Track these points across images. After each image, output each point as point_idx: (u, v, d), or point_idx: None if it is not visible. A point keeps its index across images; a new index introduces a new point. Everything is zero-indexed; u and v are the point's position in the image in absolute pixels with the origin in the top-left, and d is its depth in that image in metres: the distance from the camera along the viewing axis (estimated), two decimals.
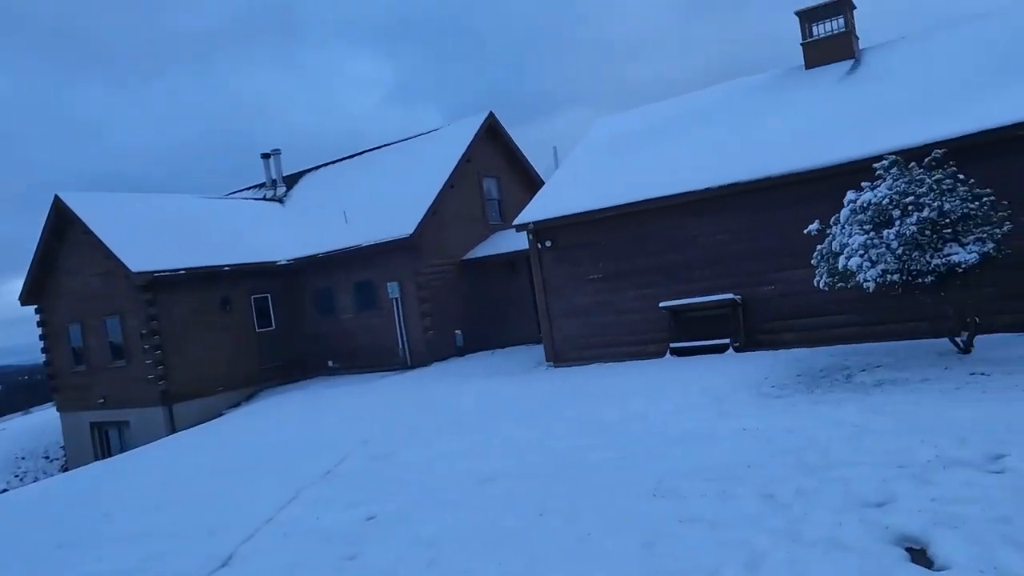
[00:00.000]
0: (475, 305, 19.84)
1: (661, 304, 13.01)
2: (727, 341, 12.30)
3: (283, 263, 20.16)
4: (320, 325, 20.43)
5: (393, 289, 18.60)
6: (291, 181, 25.84)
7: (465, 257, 20.23)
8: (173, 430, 17.34)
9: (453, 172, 19.97)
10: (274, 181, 25.65)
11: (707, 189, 12.53)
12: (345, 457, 8.40)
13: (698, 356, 12.37)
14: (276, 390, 19.25)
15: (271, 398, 18.00)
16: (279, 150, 25.80)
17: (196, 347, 18.40)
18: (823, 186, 11.16)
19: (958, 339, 8.69)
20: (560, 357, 14.57)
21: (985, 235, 7.82)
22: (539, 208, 14.96)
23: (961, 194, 8.05)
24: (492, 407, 10.13)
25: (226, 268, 18.94)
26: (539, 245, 14.62)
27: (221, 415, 17.92)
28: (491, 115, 21.73)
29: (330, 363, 20.16)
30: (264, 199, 24.94)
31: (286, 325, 20.49)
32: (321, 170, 25.72)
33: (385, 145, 24.51)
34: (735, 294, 12.44)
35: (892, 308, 10.52)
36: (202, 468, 9.88)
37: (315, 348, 20.42)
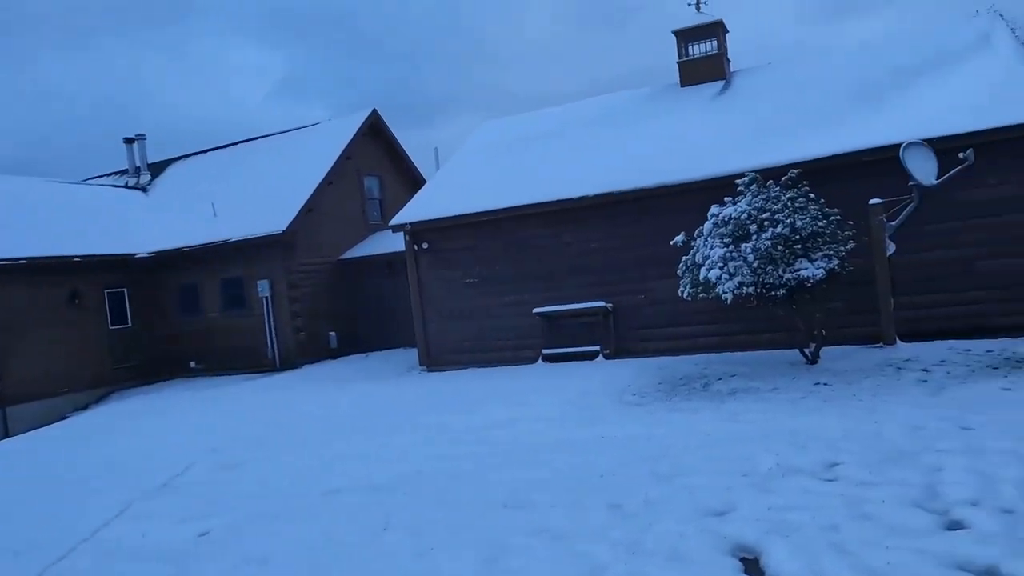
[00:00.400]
0: (352, 306, 19.26)
1: (535, 310, 13.02)
2: (598, 348, 12.46)
3: (143, 256, 18.79)
4: (183, 324, 19.19)
5: (263, 287, 17.73)
6: (157, 169, 24.20)
7: (342, 256, 19.60)
8: (6, 434, 15.74)
9: (332, 169, 19.29)
10: (137, 168, 23.94)
11: (582, 198, 12.66)
12: (189, 467, 7.79)
13: (570, 363, 12.45)
14: (131, 392, 17.89)
15: (124, 401, 16.71)
16: (144, 135, 24.11)
17: (37, 344, 16.80)
18: (692, 199, 11.51)
19: (807, 350, 9.13)
20: (435, 361, 14.31)
21: (831, 252, 8.25)
22: (417, 209, 14.68)
23: (812, 212, 8.46)
24: (354, 413, 9.75)
25: (76, 259, 17.43)
26: (416, 247, 14.32)
27: (65, 418, 16.43)
28: (374, 112, 21.21)
29: (192, 364, 18.97)
30: (126, 187, 23.22)
31: (145, 323, 19.10)
32: (191, 159, 24.23)
33: (261, 137, 23.39)
34: (606, 302, 12.63)
35: (750, 319, 10.96)
36: (27, 478, 8.92)
37: (177, 348, 19.15)
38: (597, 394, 8.61)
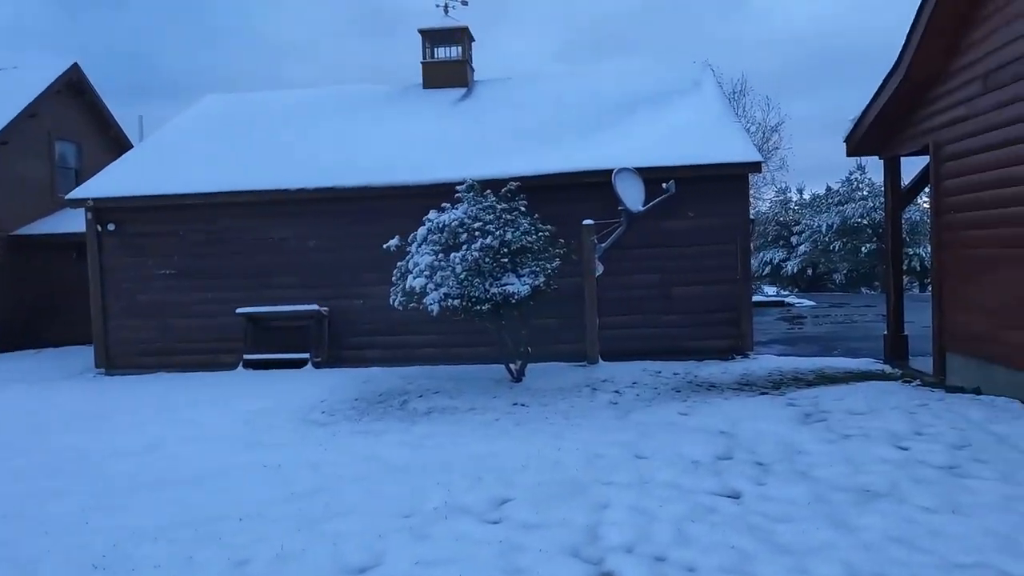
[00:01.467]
0: (24, 292, 16.10)
1: (239, 310, 11.60)
2: (307, 356, 11.38)
3: None
4: None
5: None
6: None
7: (17, 232, 16.36)
8: None
9: (8, 126, 16.02)
10: None
11: (301, 190, 11.55)
12: None
13: (275, 371, 11.21)
14: None
15: None
16: None
17: None
18: (419, 204, 10.86)
19: (513, 367, 8.91)
20: (115, 363, 12.20)
21: (538, 269, 8.08)
22: (105, 183, 12.48)
23: (523, 227, 8.24)
24: None
25: None
26: (99, 227, 12.13)
27: None
28: (75, 67, 18.11)
29: None
30: None
31: None
32: None
33: None
34: (321, 306, 11.61)
35: (469, 331, 10.61)
36: None
37: None
38: (282, 410, 7.59)
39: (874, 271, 32.25)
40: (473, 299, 7.79)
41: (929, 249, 29.33)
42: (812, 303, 22.08)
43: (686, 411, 7.04)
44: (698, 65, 15.21)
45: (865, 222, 31.52)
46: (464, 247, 7.78)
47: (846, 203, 32.64)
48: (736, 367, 9.67)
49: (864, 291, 32.29)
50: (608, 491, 4.69)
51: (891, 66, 8.55)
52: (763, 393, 7.85)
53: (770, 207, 37.30)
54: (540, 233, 8.40)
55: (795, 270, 34.44)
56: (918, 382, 8.09)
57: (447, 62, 15.61)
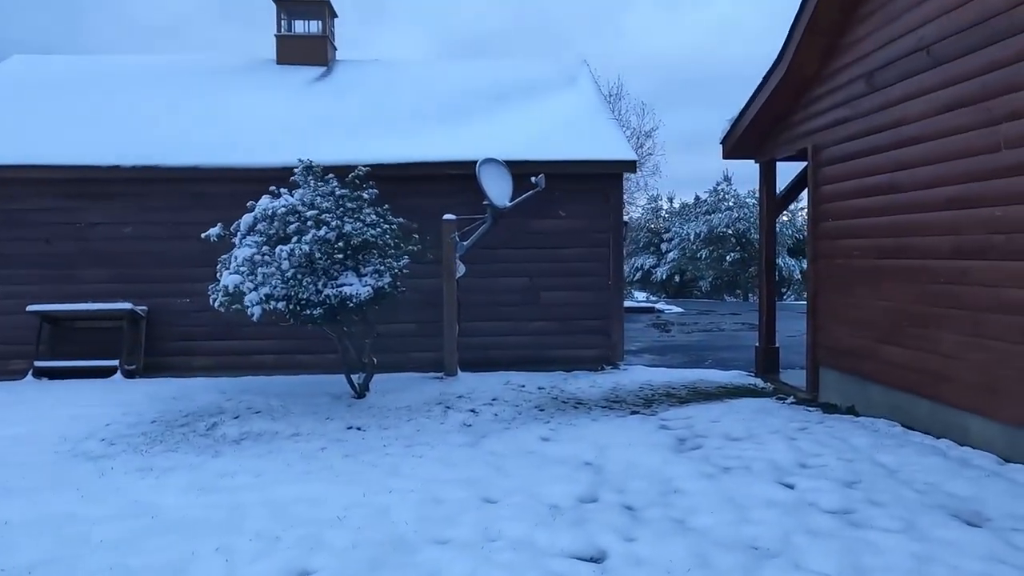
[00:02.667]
0: None
1: (30, 308, 9.67)
2: (116, 363, 9.63)
3: None
4: None
5: None
6: None
7: None
8: None
9: None
10: None
11: (114, 168, 9.79)
12: None
13: (75, 380, 9.38)
14: None
15: None
16: None
17: None
18: (259, 189, 9.40)
19: (356, 380, 7.70)
20: None
21: (384, 267, 6.93)
22: None
23: (370, 218, 7.06)
24: None
25: None
26: None
27: None
28: None
29: None
30: None
31: None
32: None
33: None
34: (137, 304, 9.89)
35: (310, 337, 9.24)
36: None
37: None
38: (49, 437, 6.00)
39: (737, 279, 33.23)
40: (302, 301, 6.52)
41: (787, 258, 30.31)
42: (680, 309, 22.13)
43: (549, 435, 6.12)
44: (575, 61, 14.55)
45: (730, 232, 32.40)
46: (295, 239, 6.51)
47: (713, 212, 33.46)
48: (606, 380, 8.93)
49: (728, 298, 33.21)
50: (441, 555, 3.64)
51: (771, 63, 8.06)
52: (634, 412, 7.08)
53: (642, 213, 37.82)
54: (389, 226, 7.25)
55: (664, 276, 35.00)
56: (792, 399, 7.60)
57: (305, 37, 14.14)
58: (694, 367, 10.49)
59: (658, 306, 22.83)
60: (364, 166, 8.07)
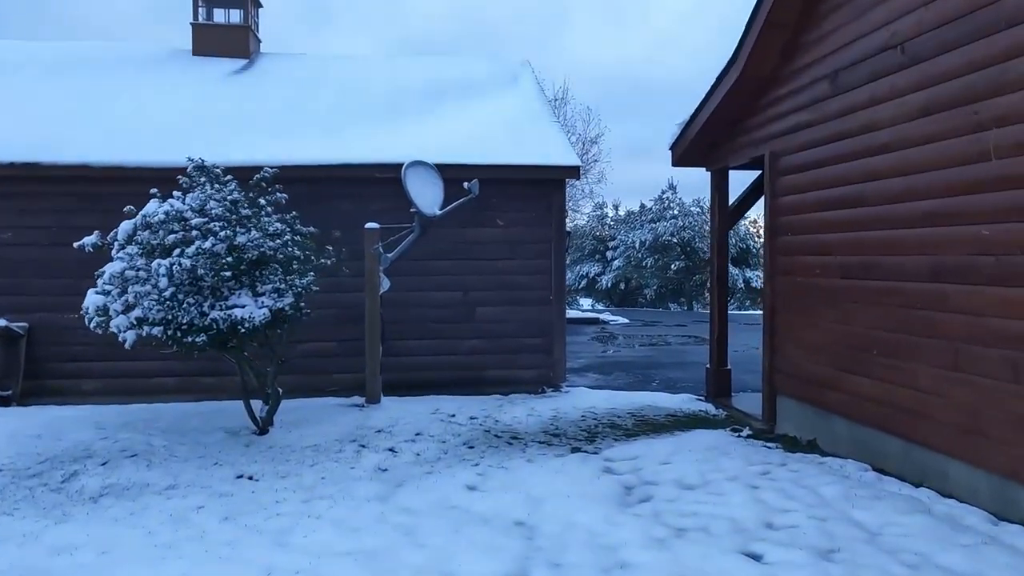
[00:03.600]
0: None
1: None
2: None
3: None
4: None
5: None
6: None
7: None
8: None
9: None
10: None
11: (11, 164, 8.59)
12: None
13: None
14: None
15: None
16: None
17: None
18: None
19: (258, 412, 6.69)
20: None
21: (285, 286, 5.96)
22: None
23: (273, 227, 6.09)
24: None
25: None
26: None
27: None
28: None
29: None
30: None
31: None
32: None
33: None
34: (15, 321, 8.67)
35: (216, 358, 8.22)
36: None
37: None
38: None
39: (682, 287, 32.98)
40: (183, 326, 5.51)
41: (731, 267, 30.09)
42: (626, 320, 21.55)
43: (476, 482, 5.26)
44: (517, 61, 13.75)
45: (675, 240, 32.13)
46: (176, 251, 5.50)
47: (658, 221, 33.15)
48: (545, 406, 8.11)
49: (673, 307, 32.92)
50: None
51: (726, 63, 7.38)
52: (575, 449, 6.27)
53: (588, 221, 37.30)
54: (297, 236, 6.28)
55: (609, 284, 34.54)
56: (748, 431, 6.91)
57: (224, 26, 13.00)
58: (640, 388, 9.78)
59: (603, 316, 22.20)
60: (274, 167, 7.08)
